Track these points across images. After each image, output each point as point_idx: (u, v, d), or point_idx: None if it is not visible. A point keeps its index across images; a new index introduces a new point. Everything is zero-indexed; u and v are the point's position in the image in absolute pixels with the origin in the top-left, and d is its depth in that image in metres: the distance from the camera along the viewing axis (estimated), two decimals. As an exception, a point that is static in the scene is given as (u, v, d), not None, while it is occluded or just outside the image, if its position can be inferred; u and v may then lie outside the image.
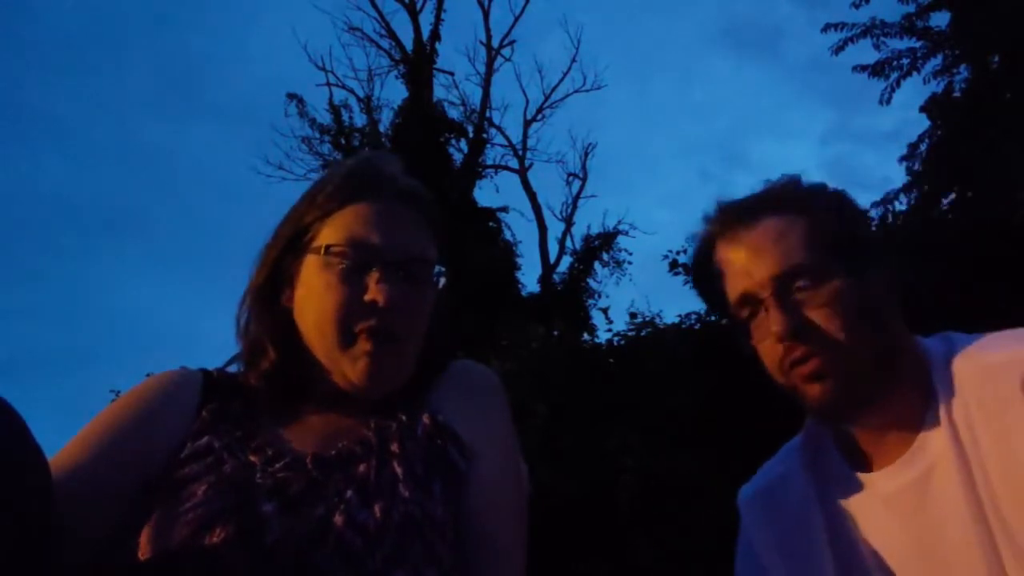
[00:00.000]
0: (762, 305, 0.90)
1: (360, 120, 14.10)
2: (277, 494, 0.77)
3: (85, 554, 0.74)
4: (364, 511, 0.76)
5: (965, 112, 7.99)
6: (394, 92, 15.23)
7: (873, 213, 8.23)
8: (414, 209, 0.92)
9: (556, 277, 13.71)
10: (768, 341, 0.90)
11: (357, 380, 0.86)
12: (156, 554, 0.74)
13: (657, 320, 7.07)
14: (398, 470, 0.81)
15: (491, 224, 13.11)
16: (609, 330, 7.34)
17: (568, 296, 13.04)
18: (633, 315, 7.11)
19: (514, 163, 14.89)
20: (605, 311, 7.63)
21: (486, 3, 14.88)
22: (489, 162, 14.44)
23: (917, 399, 0.88)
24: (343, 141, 13.69)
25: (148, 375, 0.92)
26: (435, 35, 14.09)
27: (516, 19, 15.23)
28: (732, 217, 0.96)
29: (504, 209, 13.56)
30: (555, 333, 7.30)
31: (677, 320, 7.07)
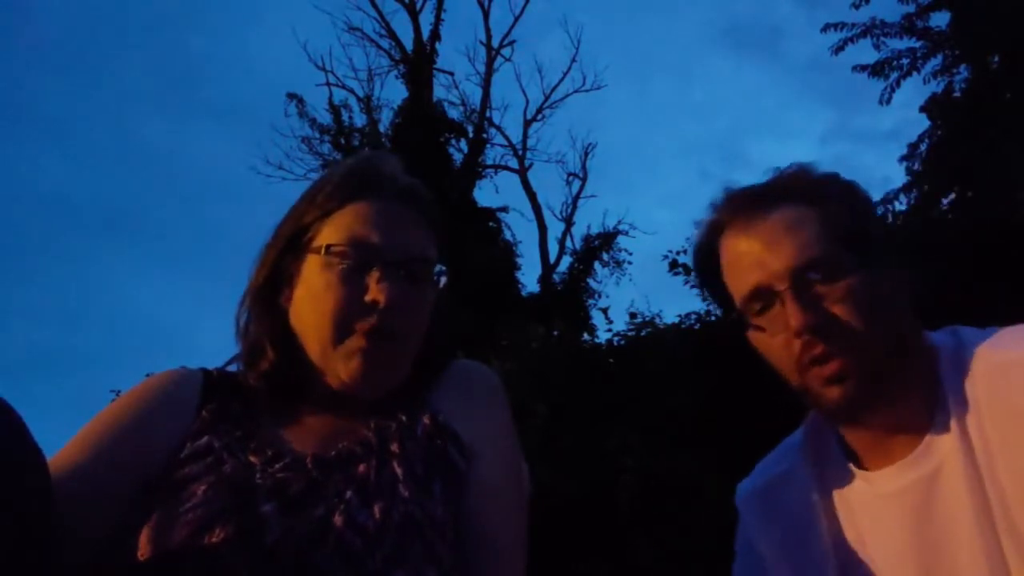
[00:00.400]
0: (777, 298, 0.85)
1: (360, 120, 14.13)
2: (277, 494, 0.77)
3: (85, 554, 0.74)
4: (364, 511, 0.76)
5: (965, 112, 7.99)
6: (394, 92, 15.24)
7: (873, 213, 8.21)
8: (414, 208, 0.92)
9: (556, 277, 13.72)
10: (782, 336, 0.86)
11: (349, 379, 0.86)
12: (156, 554, 0.73)
13: (657, 320, 7.08)
14: (398, 470, 0.81)
15: (491, 224, 13.12)
16: (609, 330, 7.36)
17: (568, 296, 13.04)
18: (633, 315, 7.12)
19: (514, 163, 14.92)
20: (605, 311, 7.65)
21: (486, 3, 14.91)
22: (489, 162, 14.47)
23: (926, 397, 0.85)
24: (343, 141, 13.70)
25: (148, 375, 0.92)
26: (435, 35, 14.12)
27: (516, 19, 15.26)
28: (744, 205, 0.92)
29: (504, 209, 13.59)
30: (555, 333, 7.30)
31: (677, 320, 7.08)
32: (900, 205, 8.43)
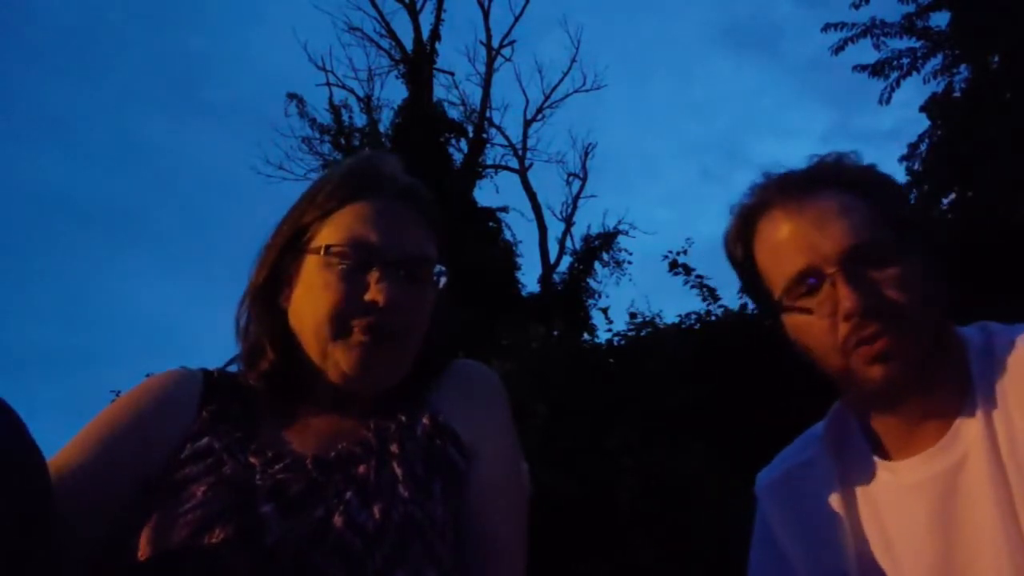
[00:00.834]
0: (827, 280, 0.85)
1: (360, 120, 14.16)
2: (277, 495, 0.77)
3: (85, 554, 0.74)
4: (364, 512, 0.76)
5: (965, 112, 8.00)
6: (394, 92, 15.26)
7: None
8: (414, 208, 0.91)
9: (556, 277, 13.74)
10: (829, 320, 0.85)
11: (349, 370, 0.85)
12: (156, 554, 0.74)
13: (657, 320, 7.06)
14: (398, 471, 0.81)
15: (491, 224, 13.14)
16: (609, 330, 7.33)
17: (568, 296, 13.05)
18: (633, 315, 7.11)
19: (514, 163, 14.94)
20: (605, 311, 7.62)
21: (486, 3, 14.93)
22: (489, 162, 14.49)
23: (955, 389, 0.86)
24: (343, 141, 13.72)
25: (148, 375, 0.92)
26: (435, 35, 14.13)
27: (516, 19, 15.28)
28: (793, 187, 0.91)
29: (504, 209, 13.61)
30: (555, 333, 7.30)
31: (677, 320, 7.06)
32: (900, 205, 8.43)
